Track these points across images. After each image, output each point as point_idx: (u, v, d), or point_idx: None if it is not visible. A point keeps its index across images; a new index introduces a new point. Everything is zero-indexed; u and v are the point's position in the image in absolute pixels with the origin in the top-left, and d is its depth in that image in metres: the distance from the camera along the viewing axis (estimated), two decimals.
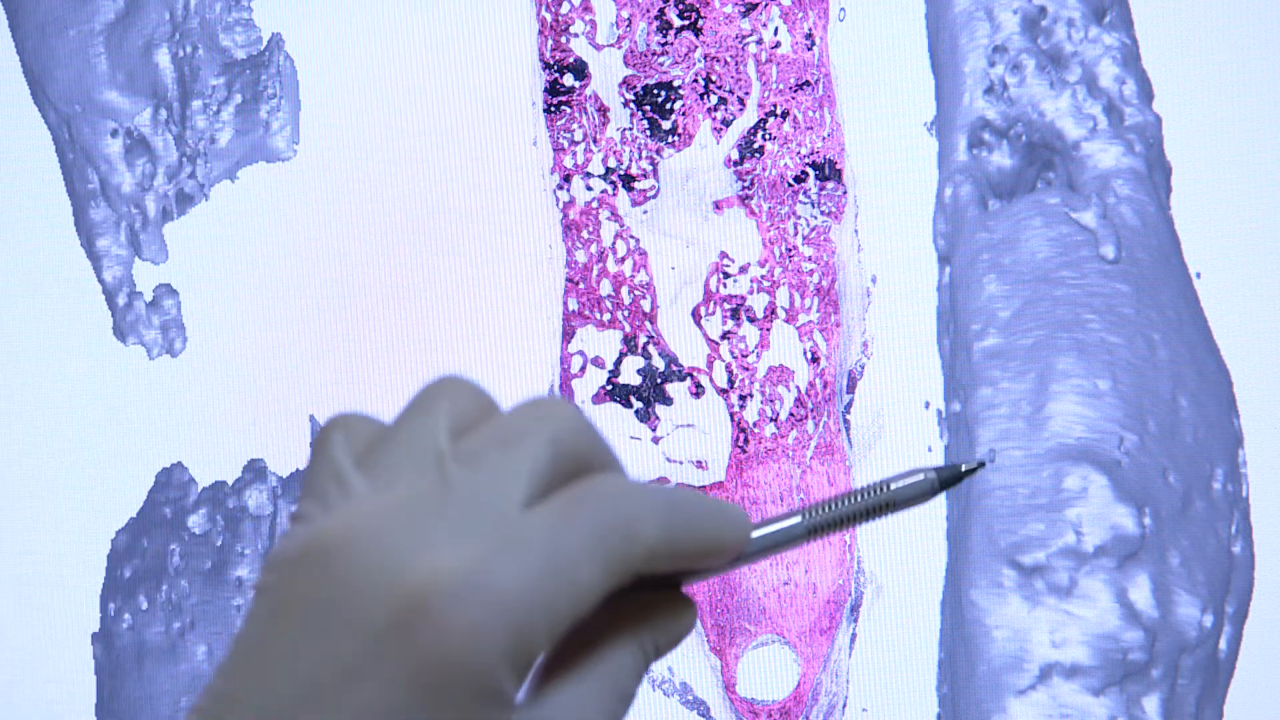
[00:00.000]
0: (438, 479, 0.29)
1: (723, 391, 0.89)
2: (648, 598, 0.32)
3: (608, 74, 0.90)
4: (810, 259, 0.90)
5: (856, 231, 0.90)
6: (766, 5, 0.90)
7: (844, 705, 0.88)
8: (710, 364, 0.90)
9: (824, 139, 0.90)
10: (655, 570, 0.31)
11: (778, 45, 0.90)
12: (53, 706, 0.89)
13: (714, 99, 0.90)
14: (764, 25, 0.90)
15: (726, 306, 0.90)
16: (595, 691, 0.30)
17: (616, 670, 0.31)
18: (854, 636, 0.89)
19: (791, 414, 0.89)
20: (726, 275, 0.90)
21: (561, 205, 0.90)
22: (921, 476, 0.36)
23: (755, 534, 0.34)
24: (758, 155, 0.90)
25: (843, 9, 0.90)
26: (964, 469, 0.37)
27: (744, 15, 0.90)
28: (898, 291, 0.89)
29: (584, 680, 0.30)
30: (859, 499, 0.36)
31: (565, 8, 0.90)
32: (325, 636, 0.27)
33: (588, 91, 0.90)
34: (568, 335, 0.90)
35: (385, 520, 0.28)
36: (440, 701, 0.27)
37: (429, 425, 0.30)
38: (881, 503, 0.36)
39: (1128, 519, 0.86)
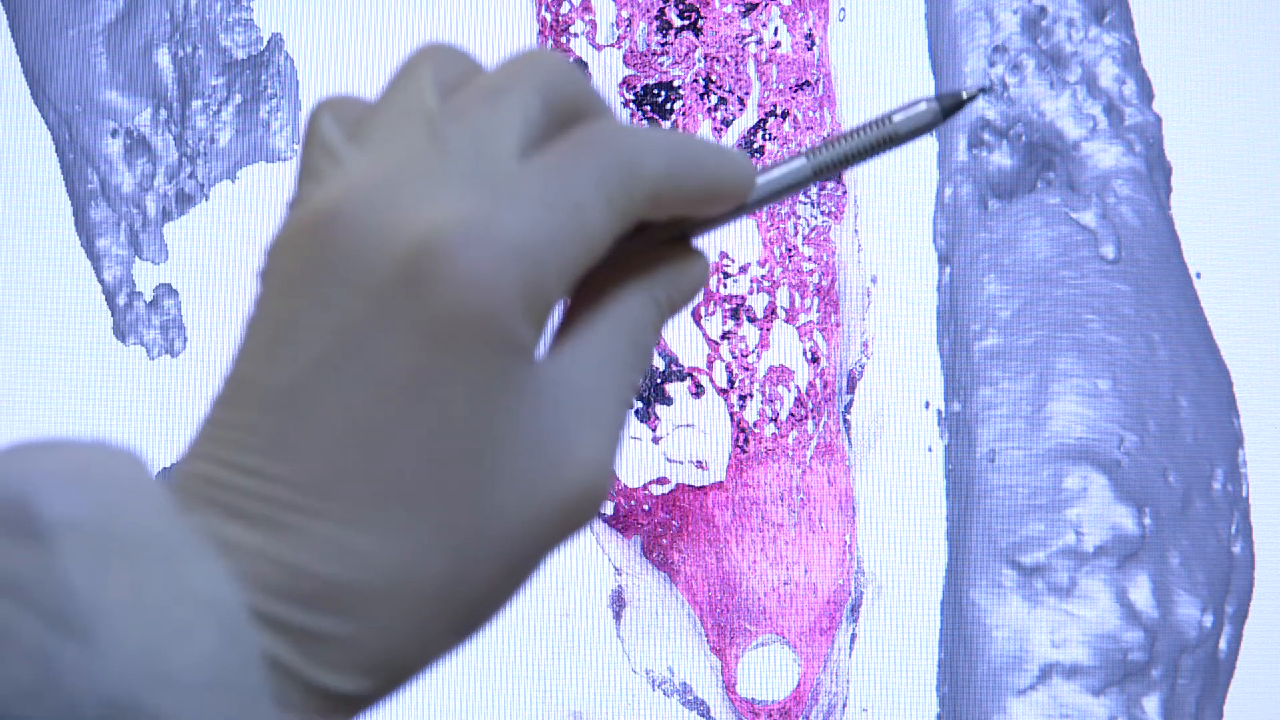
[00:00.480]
0: (429, 137, 0.28)
1: (723, 391, 0.89)
2: (658, 251, 0.32)
3: (608, 74, 0.90)
4: (810, 259, 0.90)
5: (856, 231, 0.90)
6: (766, 5, 0.90)
7: (844, 705, 0.88)
8: (710, 364, 0.90)
9: (824, 139, 0.90)
10: (661, 213, 0.30)
11: (778, 45, 0.90)
12: None
13: (714, 99, 0.90)
14: (764, 25, 0.90)
15: (726, 306, 0.90)
16: (611, 340, 0.30)
17: (630, 319, 0.30)
18: (854, 636, 0.89)
19: (791, 414, 0.89)
20: (726, 275, 0.90)
21: None
22: (924, 106, 0.34)
23: (761, 177, 0.34)
24: (758, 155, 0.90)
25: (843, 9, 0.90)
26: (965, 95, 0.35)
27: (744, 15, 0.90)
28: (898, 291, 0.89)
29: (599, 330, 0.30)
30: (862, 134, 0.35)
31: (565, 8, 0.90)
32: (331, 303, 0.26)
33: None
34: None
35: (381, 181, 0.27)
36: (457, 353, 0.26)
37: (416, 88, 0.29)
38: (885, 136, 0.34)
39: (1128, 519, 0.86)
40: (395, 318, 0.26)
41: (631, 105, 0.90)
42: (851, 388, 0.89)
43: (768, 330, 0.90)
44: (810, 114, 0.90)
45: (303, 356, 0.27)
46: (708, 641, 0.89)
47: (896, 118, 0.35)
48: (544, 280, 0.27)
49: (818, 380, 0.89)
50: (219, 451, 0.27)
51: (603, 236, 0.28)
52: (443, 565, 0.27)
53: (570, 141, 0.29)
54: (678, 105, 0.90)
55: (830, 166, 0.35)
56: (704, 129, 0.90)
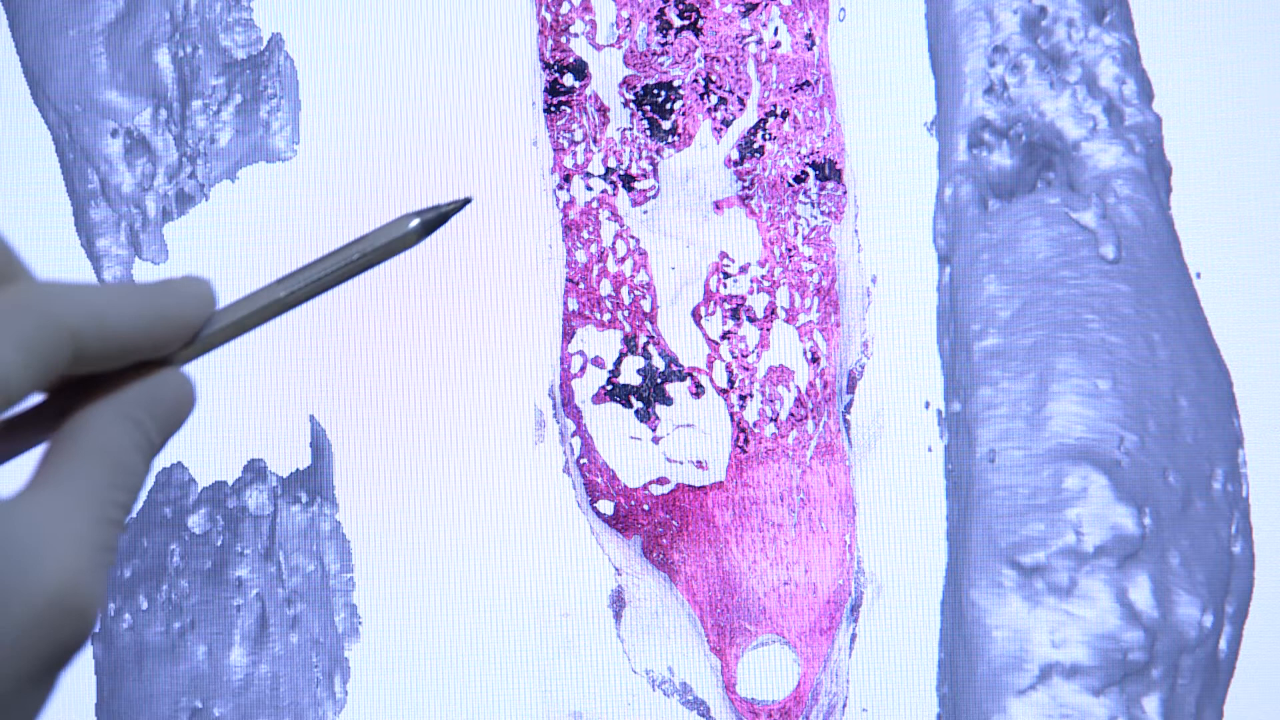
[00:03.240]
0: None
1: (723, 391, 0.89)
2: (135, 376, 0.32)
3: (608, 74, 0.90)
4: (810, 259, 0.90)
5: (856, 231, 0.90)
6: (766, 5, 0.90)
7: (844, 705, 0.88)
8: (710, 364, 0.90)
9: (824, 139, 0.90)
10: (102, 361, 0.31)
11: (778, 45, 0.90)
12: (53, 706, 0.89)
13: (714, 99, 0.90)
14: (764, 25, 0.90)
15: (726, 306, 0.90)
16: (79, 461, 0.30)
17: (100, 439, 0.31)
18: (854, 636, 0.89)
19: (791, 414, 0.89)
20: (726, 275, 0.90)
21: (561, 205, 0.90)
22: (406, 223, 0.34)
23: (226, 308, 0.34)
24: (758, 155, 0.90)
25: (843, 9, 0.90)
26: (447, 208, 0.35)
27: (744, 15, 0.90)
28: (898, 291, 0.89)
29: (64, 451, 0.30)
30: (337, 255, 0.34)
31: (565, 8, 0.90)
32: None
33: (588, 91, 0.90)
34: (568, 335, 0.90)
35: None
36: None
37: None
38: (361, 254, 0.34)
39: (1128, 519, 0.86)
40: None
41: (632, 105, 0.90)
42: (851, 388, 0.89)
43: (768, 330, 0.90)
44: (810, 114, 0.90)
45: None
46: (708, 641, 0.89)
47: (372, 233, 0.34)
48: None
49: (818, 380, 0.89)
50: None
51: (17, 380, 0.29)
52: None
53: None
54: (678, 105, 0.90)
55: (306, 291, 0.34)
56: (704, 129, 0.90)
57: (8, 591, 0.28)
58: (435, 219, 0.35)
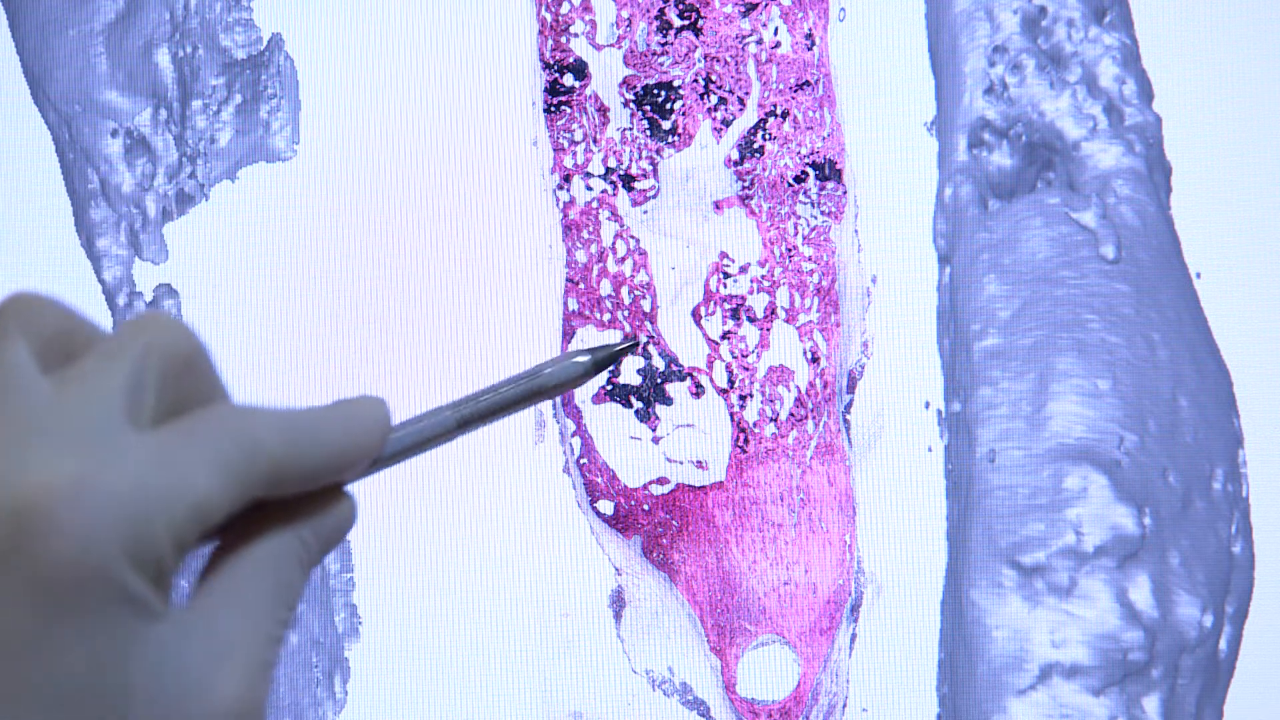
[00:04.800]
0: (29, 400, 0.28)
1: (723, 391, 0.89)
2: (307, 496, 0.32)
3: (608, 74, 0.90)
4: (810, 259, 0.90)
5: (856, 231, 0.90)
6: (766, 5, 0.90)
7: (844, 705, 0.88)
8: (710, 364, 0.90)
9: (824, 139, 0.90)
10: (291, 485, 0.31)
11: (778, 45, 0.90)
12: None
13: (714, 99, 0.90)
14: (764, 25, 0.90)
15: (726, 306, 0.90)
16: (251, 580, 0.31)
17: (271, 558, 0.31)
18: (854, 636, 0.89)
19: (791, 414, 0.89)
20: (726, 275, 0.90)
21: (561, 205, 0.90)
22: (577, 359, 0.35)
23: (400, 433, 0.34)
24: (758, 155, 0.90)
25: (843, 9, 0.90)
26: (619, 348, 0.36)
27: (744, 15, 0.90)
28: (898, 291, 0.89)
29: (238, 572, 0.31)
30: (511, 386, 0.35)
31: (565, 8, 0.90)
32: None
33: (588, 91, 0.90)
34: (568, 335, 0.90)
35: None
36: (68, 609, 0.27)
37: (12, 353, 0.29)
38: (534, 389, 0.35)
39: (1128, 519, 0.86)
40: (5, 577, 0.27)
41: (632, 105, 0.90)
42: (851, 388, 0.89)
43: (768, 330, 0.90)
44: (810, 114, 0.90)
45: None
46: (708, 641, 0.89)
47: (547, 370, 0.36)
48: (149, 531, 0.28)
49: (818, 380, 0.89)
50: None
51: (216, 500, 0.29)
52: None
53: (186, 418, 0.30)
54: (678, 105, 0.90)
55: (476, 418, 0.35)
56: (704, 129, 0.90)
57: (186, 714, 0.28)
58: (606, 359, 0.36)
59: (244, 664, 0.30)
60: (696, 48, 0.90)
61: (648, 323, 0.90)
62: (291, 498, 0.32)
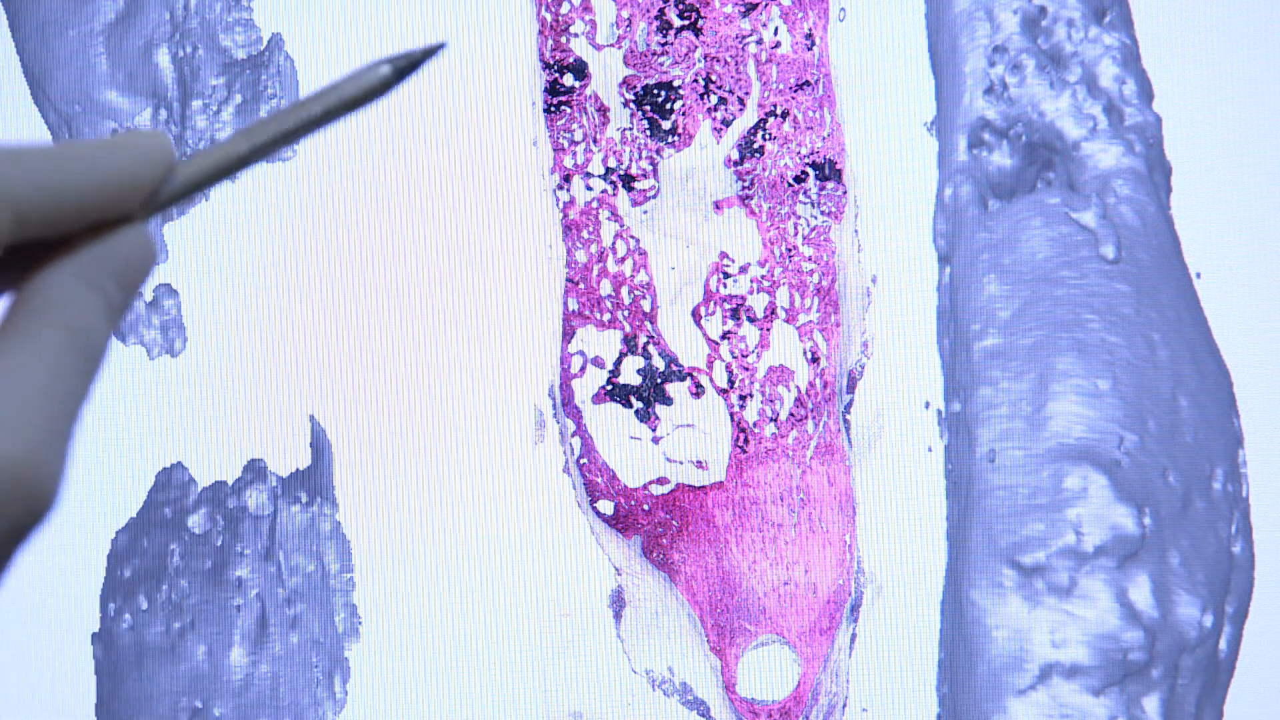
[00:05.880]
0: None
1: (723, 391, 0.89)
2: (91, 230, 0.31)
3: (608, 74, 0.90)
4: (810, 259, 0.90)
5: (856, 231, 0.90)
6: (766, 5, 0.90)
7: (844, 705, 0.88)
8: (710, 364, 0.90)
9: (824, 139, 0.90)
10: (57, 218, 0.29)
11: (778, 45, 0.90)
12: (53, 706, 0.89)
13: (714, 99, 0.90)
14: (764, 25, 0.90)
15: (726, 306, 0.90)
16: (32, 325, 0.29)
17: (56, 300, 0.29)
18: (854, 636, 0.89)
19: (791, 414, 0.89)
20: (726, 275, 0.90)
21: (561, 205, 0.90)
22: (380, 70, 0.32)
23: (185, 168, 0.32)
24: (758, 155, 0.90)
25: (843, 9, 0.90)
26: (420, 53, 0.32)
27: (744, 15, 0.90)
28: (898, 291, 0.89)
29: (17, 320, 0.29)
30: (306, 104, 0.32)
31: (565, 8, 0.90)
32: None
33: (588, 91, 0.90)
34: (568, 335, 0.90)
35: None
36: None
37: None
38: (333, 104, 0.32)
39: (1128, 519, 0.86)
40: None
41: (632, 105, 0.90)
42: (851, 388, 0.89)
43: (768, 330, 0.90)
44: (810, 114, 0.90)
45: None
46: (708, 641, 0.89)
47: (344, 82, 0.32)
48: None
49: (818, 380, 0.89)
50: None
51: None
52: None
53: None
54: (678, 105, 0.90)
55: (271, 143, 0.32)
56: (704, 129, 0.90)
57: None
58: (407, 65, 0.32)
59: (25, 413, 0.27)
60: (696, 48, 0.90)
61: (648, 323, 0.90)
62: (77, 241, 0.30)
